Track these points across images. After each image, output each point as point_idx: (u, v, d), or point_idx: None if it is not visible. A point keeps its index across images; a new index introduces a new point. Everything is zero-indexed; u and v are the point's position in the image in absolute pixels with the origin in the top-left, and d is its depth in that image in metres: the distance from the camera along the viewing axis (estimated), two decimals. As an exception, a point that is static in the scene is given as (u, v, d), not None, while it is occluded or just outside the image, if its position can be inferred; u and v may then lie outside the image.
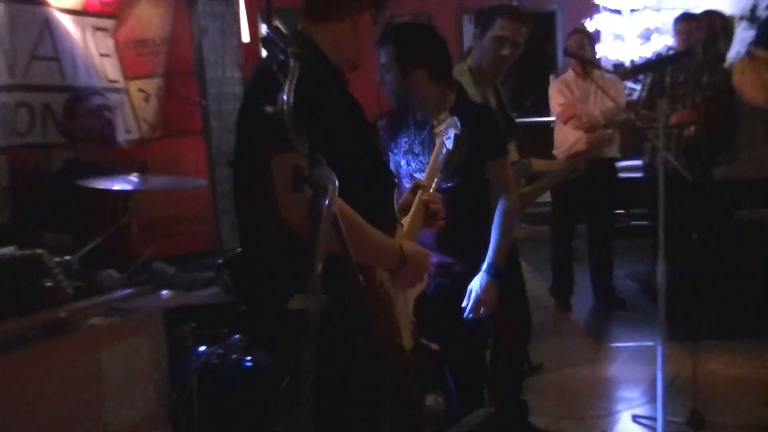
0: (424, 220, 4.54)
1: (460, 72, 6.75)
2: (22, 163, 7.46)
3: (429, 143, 5.90)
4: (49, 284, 5.55)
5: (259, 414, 5.76)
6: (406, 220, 4.48)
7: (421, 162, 5.91)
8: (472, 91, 6.58)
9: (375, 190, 4.29)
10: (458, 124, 4.99)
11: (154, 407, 2.48)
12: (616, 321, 11.10)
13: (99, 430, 2.36)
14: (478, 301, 5.94)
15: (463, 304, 5.97)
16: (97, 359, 2.35)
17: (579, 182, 9.40)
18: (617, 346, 10.17)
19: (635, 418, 7.85)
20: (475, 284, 5.98)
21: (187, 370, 5.67)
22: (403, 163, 6.01)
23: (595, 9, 16.63)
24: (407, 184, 5.65)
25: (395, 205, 4.53)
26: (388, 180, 4.43)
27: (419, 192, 4.58)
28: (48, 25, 7.58)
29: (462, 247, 5.58)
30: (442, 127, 4.98)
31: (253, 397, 5.84)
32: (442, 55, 6.05)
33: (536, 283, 8.26)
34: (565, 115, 10.99)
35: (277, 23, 4.40)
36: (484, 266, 5.98)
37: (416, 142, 6.07)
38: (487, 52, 6.76)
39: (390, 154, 6.17)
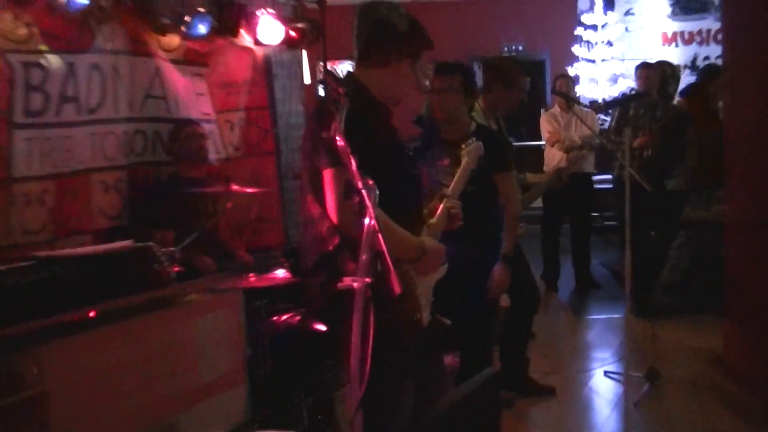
0: (446, 222, 4.52)
1: (474, 107, 6.81)
2: (138, 177, 7.49)
3: (455, 159, 5.91)
4: (157, 269, 5.56)
5: (317, 366, 5.76)
6: (431, 222, 4.47)
7: (446, 172, 5.92)
8: (481, 121, 6.61)
9: (406, 197, 4.28)
10: (482, 148, 4.99)
11: (236, 363, 2.48)
12: (592, 299, 11.13)
13: (194, 379, 2.35)
14: (497, 284, 6.03)
15: (488, 286, 6.07)
16: (194, 326, 2.35)
17: (563, 191, 9.37)
18: (593, 318, 10.18)
19: (606, 374, 7.86)
20: (495, 270, 6.07)
21: (261, 335, 5.67)
22: (431, 172, 6.01)
23: (575, 58, 16.65)
24: (434, 189, 5.70)
25: (423, 209, 4.51)
26: (417, 190, 4.42)
27: (444, 200, 4.56)
28: (158, 72, 7.61)
29: (475, 237, 5.57)
30: (469, 149, 4.97)
31: (311, 355, 5.83)
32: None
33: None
34: (552, 139, 11.16)
35: (331, 69, 4.40)
36: (500, 257, 6.07)
37: (443, 156, 6.08)
38: (511, 99, 6.90)
39: (420, 164, 6.18)
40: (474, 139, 5.10)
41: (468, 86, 6.17)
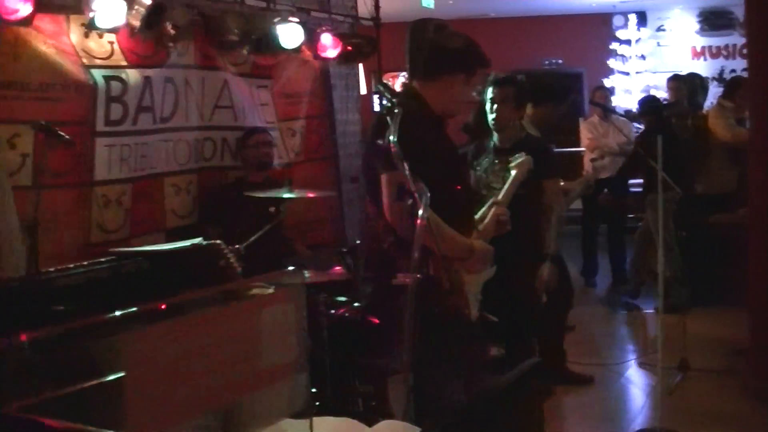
0: (495, 227, 4.50)
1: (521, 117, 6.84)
2: (206, 180, 7.53)
3: (505, 165, 5.90)
4: (223, 265, 5.57)
5: (371, 356, 5.75)
6: (482, 226, 4.46)
7: (498, 177, 5.91)
8: (530, 129, 6.62)
9: (458, 202, 4.27)
10: (531, 162, 4.99)
11: (297, 354, 2.46)
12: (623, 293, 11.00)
13: (258, 369, 2.34)
14: (544, 282, 6.00)
15: (536, 284, 6.03)
16: (257, 319, 2.33)
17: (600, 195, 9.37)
18: (628, 312, 10.07)
19: (641, 364, 7.77)
20: (543, 270, 6.02)
21: (320, 327, 5.67)
22: (483, 177, 6.00)
23: (610, 71, 16.60)
24: (485, 192, 5.71)
25: (474, 213, 4.50)
26: (469, 195, 4.40)
27: (495, 207, 4.55)
28: (226, 84, 7.64)
29: (520, 237, 5.51)
30: (519, 162, 4.96)
31: (365, 345, 5.82)
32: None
33: (569, 267, 8.22)
34: (591, 146, 11.07)
35: (386, 81, 4.41)
36: (547, 257, 6.04)
37: (495, 162, 6.06)
38: (558, 114, 6.94)
39: (473, 170, 6.18)
40: (523, 153, 5.10)
41: (520, 98, 6.13)
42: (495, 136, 6.25)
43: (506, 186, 4.93)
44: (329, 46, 8.36)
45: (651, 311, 9.62)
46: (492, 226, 4.51)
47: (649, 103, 10.45)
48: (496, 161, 6.11)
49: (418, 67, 4.39)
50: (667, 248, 7.49)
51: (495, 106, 6.12)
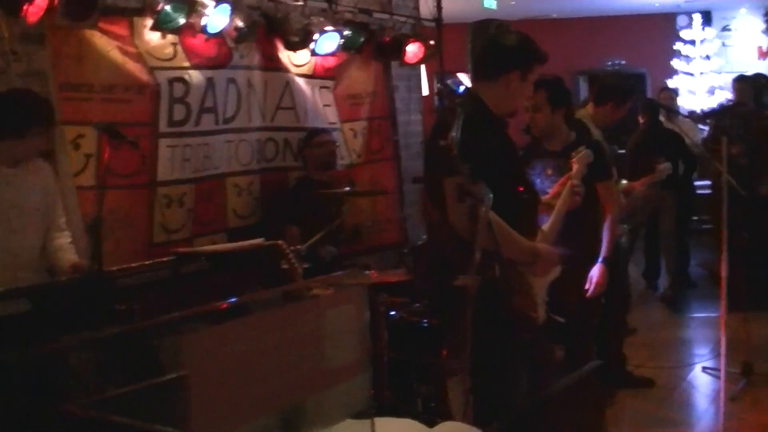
0: (570, 201, 4.52)
1: (583, 114, 6.77)
2: (268, 181, 7.56)
3: (559, 168, 5.87)
4: (285, 266, 5.60)
5: (431, 357, 5.75)
6: (548, 222, 4.45)
7: (552, 180, 5.87)
8: (591, 128, 6.57)
9: (521, 203, 4.25)
10: (591, 156, 4.97)
11: (359, 354, 2.47)
12: (690, 297, 10.88)
13: (321, 368, 2.35)
14: (596, 285, 5.94)
15: (586, 287, 5.97)
16: (319, 320, 2.34)
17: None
18: (690, 316, 9.96)
19: (704, 369, 7.68)
20: (594, 271, 5.96)
21: (381, 328, 5.67)
22: (538, 181, 5.96)
23: (674, 72, 16.42)
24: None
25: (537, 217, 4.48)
26: (532, 196, 4.38)
27: (569, 182, 4.58)
28: (288, 85, 7.68)
29: (578, 238, 5.47)
30: (579, 156, 4.93)
31: (427, 347, 5.82)
32: (571, 102, 6.15)
33: (631, 268, 8.16)
34: (658, 148, 10.93)
35: (448, 82, 4.41)
36: (600, 258, 5.98)
37: (549, 165, 6.02)
38: (619, 114, 6.87)
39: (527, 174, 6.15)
40: (584, 147, 5.07)
41: (554, 98, 6.06)
42: (546, 140, 6.22)
43: (574, 173, 4.94)
44: (392, 47, 8.37)
45: (713, 314, 9.52)
46: (567, 200, 4.52)
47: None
48: (550, 166, 6.07)
49: (475, 67, 4.39)
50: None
51: (533, 114, 6.09)
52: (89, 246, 4.78)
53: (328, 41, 7.69)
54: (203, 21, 6.36)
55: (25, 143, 4.97)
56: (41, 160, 5.33)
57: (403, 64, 8.88)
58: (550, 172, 6.02)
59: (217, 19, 6.44)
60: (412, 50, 8.44)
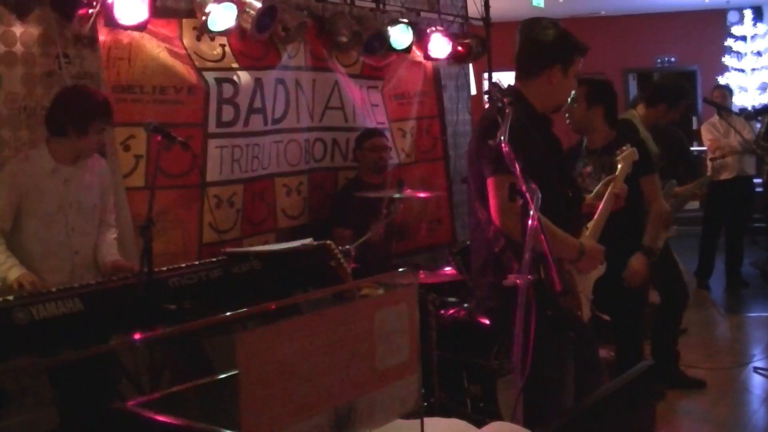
0: (613, 203, 4.49)
1: (633, 115, 6.74)
2: (317, 181, 7.60)
3: (598, 166, 5.85)
4: (333, 265, 5.63)
5: (480, 356, 5.75)
6: (593, 221, 4.43)
7: (593, 180, 5.86)
8: (640, 128, 6.53)
9: (566, 201, 4.25)
10: (636, 153, 4.93)
11: (409, 354, 2.48)
12: (742, 297, 10.79)
13: (372, 369, 2.37)
14: (633, 273, 5.90)
15: (623, 274, 5.92)
16: (371, 319, 2.36)
17: (725, 193, 9.21)
18: (742, 316, 9.89)
19: (755, 369, 7.62)
20: (633, 260, 5.92)
21: (430, 327, 5.69)
22: (579, 180, 5.94)
23: (725, 68, 16.28)
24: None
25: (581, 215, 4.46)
26: (577, 194, 4.37)
27: (611, 184, 4.55)
28: (337, 85, 7.71)
29: (622, 233, 5.42)
30: (625, 155, 4.90)
31: (476, 347, 5.82)
32: (613, 102, 6.06)
33: (683, 269, 8.10)
34: (713, 146, 10.82)
35: (496, 81, 4.40)
36: (640, 247, 5.95)
37: (588, 163, 6.01)
38: (670, 116, 6.81)
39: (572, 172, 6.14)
40: (629, 145, 5.03)
41: (592, 95, 6.02)
42: (585, 139, 6.19)
43: (618, 174, 4.91)
44: (440, 46, 8.38)
45: (766, 314, 9.45)
46: (609, 203, 4.49)
47: None
48: (589, 164, 6.05)
49: (518, 65, 4.39)
50: None
51: (569, 105, 6.06)
52: (141, 247, 4.83)
53: (377, 41, 7.72)
54: (203, 18, 6.27)
55: (87, 139, 5.04)
56: (98, 156, 5.41)
57: (451, 63, 8.89)
58: (589, 169, 6.02)
59: (219, 17, 6.33)
60: (436, 44, 8.41)
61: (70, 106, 5.05)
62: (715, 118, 11.05)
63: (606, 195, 4.53)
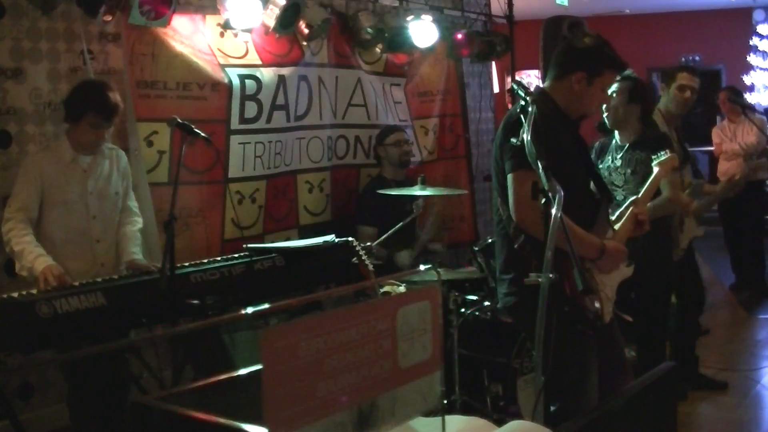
0: (633, 227, 4.44)
1: (655, 114, 6.71)
2: (339, 178, 7.63)
3: (626, 161, 5.85)
4: (355, 262, 5.65)
5: (501, 355, 5.75)
6: (619, 226, 4.40)
7: (620, 175, 5.86)
8: (663, 128, 6.50)
9: (592, 201, 4.24)
10: (676, 160, 4.90)
11: (431, 351, 2.49)
12: (765, 299, 10.74)
13: (394, 367, 2.39)
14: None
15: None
16: (393, 317, 2.37)
17: (739, 197, 9.15)
18: (764, 318, 9.85)
19: (777, 372, 7.61)
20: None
21: (451, 325, 5.70)
22: (606, 174, 5.93)
23: (750, 67, 16.19)
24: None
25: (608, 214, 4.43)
26: (603, 193, 4.36)
27: (633, 206, 4.49)
28: (359, 83, 7.73)
29: (648, 237, 5.38)
30: (662, 160, 4.88)
31: (497, 345, 5.83)
32: (650, 102, 6.08)
33: (706, 270, 8.06)
34: (718, 151, 10.84)
35: (519, 79, 4.40)
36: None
37: (618, 159, 6.00)
38: (673, 97, 6.65)
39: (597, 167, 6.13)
40: (667, 150, 5.01)
41: (633, 92, 6.03)
42: (616, 134, 6.19)
43: (647, 185, 4.85)
44: (463, 44, 8.39)
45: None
46: (629, 225, 4.44)
47: None
48: (618, 159, 6.05)
49: (545, 65, 4.39)
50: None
51: (610, 98, 6.05)
52: (164, 242, 4.86)
53: (398, 38, 7.74)
54: (226, 15, 6.36)
55: (79, 129, 5.03)
56: (117, 146, 5.45)
57: (474, 61, 8.90)
58: (618, 164, 6.02)
59: (243, 14, 6.39)
60: (460, 41, 8.42)
61: (72, 94, 5.13)
62: (725, 122, 11.06)
63: (625, 218, 4.48)
